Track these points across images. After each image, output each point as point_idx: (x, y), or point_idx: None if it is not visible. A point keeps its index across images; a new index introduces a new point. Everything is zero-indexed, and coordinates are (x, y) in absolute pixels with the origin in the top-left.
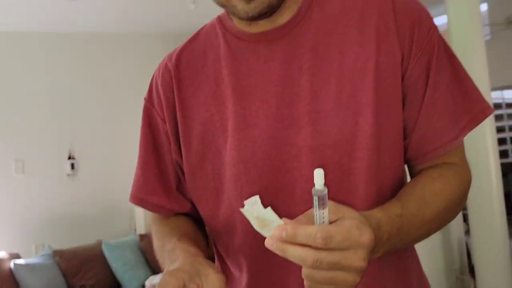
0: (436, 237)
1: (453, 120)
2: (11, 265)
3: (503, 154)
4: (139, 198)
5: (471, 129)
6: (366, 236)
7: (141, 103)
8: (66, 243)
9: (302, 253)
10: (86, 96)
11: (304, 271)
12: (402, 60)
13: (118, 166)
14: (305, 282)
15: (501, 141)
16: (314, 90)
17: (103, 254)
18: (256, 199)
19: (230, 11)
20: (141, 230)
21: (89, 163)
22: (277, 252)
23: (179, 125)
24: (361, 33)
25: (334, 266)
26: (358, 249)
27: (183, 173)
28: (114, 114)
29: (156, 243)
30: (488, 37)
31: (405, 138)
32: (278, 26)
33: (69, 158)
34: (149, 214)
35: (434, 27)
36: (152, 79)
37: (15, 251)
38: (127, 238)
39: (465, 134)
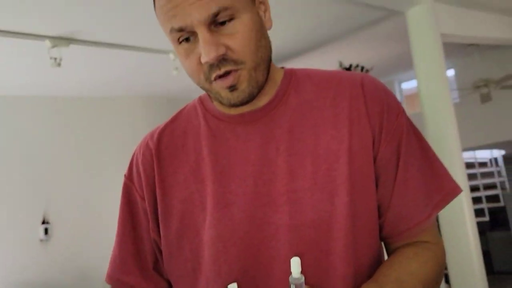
0: None
1: (425, 200)
2: None
3: (479, 212)
4: (115, 278)
5: (442, 208)
6: None
7: (121, 167)
8: None
9: None
10: (65, 159)
11: None
12: (373, 142)
13: (94, 232)
14: None
15: (477, 200)
16: (291, 170)
17: None
18: (234, 286)
19: (214, 97)
20: None
21: (64, 228)
22: None
23: (159, 203)
24: (334, 116)
25: None
26: None
27: (160, 252)
28: (92, 179)
29: None
30: (457, 100)
31: (380, 217)
32: (256, 108)
33: (43, 222)
34: None
35: (402, 112)
36: (133, 156)
37: None
38: None
39: (436, 213)
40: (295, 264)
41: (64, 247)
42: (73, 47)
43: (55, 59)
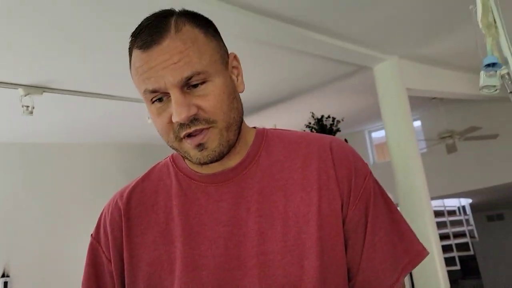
0: None
1: (393, 263)
2: None
3: (450, 261)
4: None
5: (410, 271)
6: None
7: (90, 219)
8: None
9: None
10: (30, 209)
11: None
12: (342, 206)
13: (56, 286)
14: None
15: (447, 248)
16: (261, 231)
17: None
18: None
19: (183, 155)
20: None
21: (25, 283)
22: None
23: (125, 265)
24: (304, 178)
25: None
26: None
27: None
28: (58, 231)
29: None
30: (424, 150)
31: (349, 280)
32: (228, 168)
33: (3, 275)
34: None
35: (369, 175)
36: (101, 215)
37: None
38: None
39: (404, 276)
40: None
41: None
42: (45, 94)
43: (27, 107)
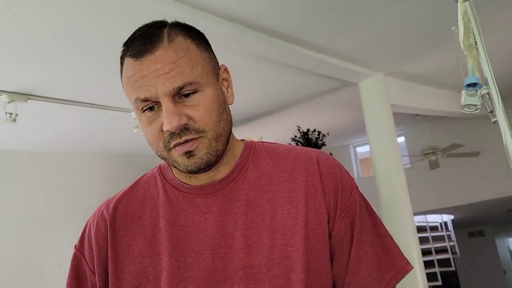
0: None
1: (378, 277)
2: None
3: (432, 276)
4: None
5: (394, 286)
6: None
7: (71, 227)
8: None
9: None
10: (8, 216)
11: None
12: (329, 219)
13: None
14: None
15: (429, 264)
16: (248, 244)
17: None
18: None
19: (171, 164)
20: None
21: None
22: None
23: (110, 277)
24: (291, 190)
25: None
26: None
27: None
28: (39, 239)
29: None
30: (408, 166)
31: None
32: (215, 181)
33: None
34: None
35: (355, 189)
36: (86, 226)
37: None
38: None
39: None
40: None
41: None
42: (29, 101)
43: (11, 114)
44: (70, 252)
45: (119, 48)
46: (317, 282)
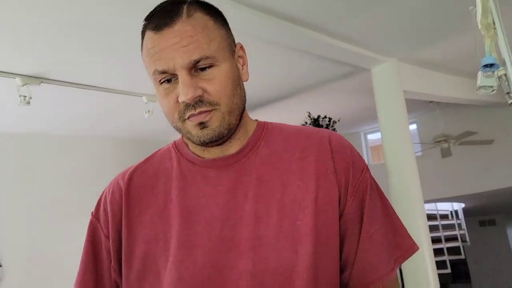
0: None
1: (388, 254)
2: None
3: (441, 264)
4: None
5: (401, 263)
6: None
7: (82, 209)
8: None
9: None
10: (22, 198)
11: None
12: (340, 197)
13: (49, 276)
14: None
15: (439, 252)
16: (257, 216)
17: None
18: None
19: (185, 135)
20: None
21: (17, 272)
22: None
23: (123, 243)
24: (302, 168)
25: None
26: None
27: None
28: (51, 220)
29: None
30: (419, 154)
31: (346, 269)
32: (227, 155)
33: None
34: None
35: (366, 169)
36: (102, 195)
37: None
38: None
39: (398, 267)
40: None
41: None
42: (43, 85)
43: (25, 97)
44: (80, 233)
45: (132, 33)
46: (324, 256)
